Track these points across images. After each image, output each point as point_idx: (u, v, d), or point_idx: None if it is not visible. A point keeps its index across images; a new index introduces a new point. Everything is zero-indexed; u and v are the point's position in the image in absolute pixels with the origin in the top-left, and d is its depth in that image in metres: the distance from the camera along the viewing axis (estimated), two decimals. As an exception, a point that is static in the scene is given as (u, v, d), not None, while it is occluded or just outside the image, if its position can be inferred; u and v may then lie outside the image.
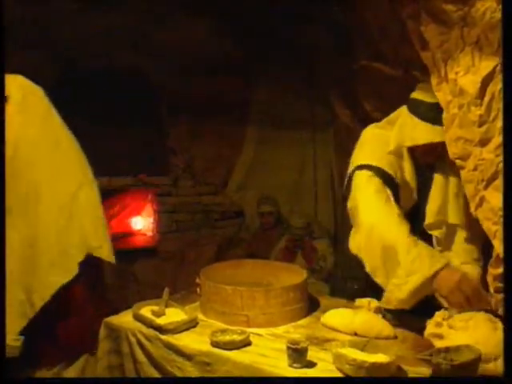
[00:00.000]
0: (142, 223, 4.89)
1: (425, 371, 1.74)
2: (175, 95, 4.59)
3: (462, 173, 1.73)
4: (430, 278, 2.00)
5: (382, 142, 2.33)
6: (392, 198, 2.22)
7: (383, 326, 2.12)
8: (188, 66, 4.42)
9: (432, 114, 2.10)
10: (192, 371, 2.05)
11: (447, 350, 1.74)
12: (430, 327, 1.96)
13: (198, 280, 2.46)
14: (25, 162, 2.30)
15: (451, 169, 2.15)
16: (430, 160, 2.29)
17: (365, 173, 2.29)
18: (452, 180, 2.27)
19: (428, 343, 1.95)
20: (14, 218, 2.16)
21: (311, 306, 2.45)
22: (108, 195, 4.59)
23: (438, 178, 2.31)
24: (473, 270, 2.20)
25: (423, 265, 2.02)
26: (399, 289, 2.07)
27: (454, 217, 2.27)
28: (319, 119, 4.86)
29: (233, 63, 4.52)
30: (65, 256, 2.34)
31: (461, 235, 2.30)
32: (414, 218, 2.27)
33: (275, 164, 5.00)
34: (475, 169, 1.66)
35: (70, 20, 3.87)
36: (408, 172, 2.31)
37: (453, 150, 1.74)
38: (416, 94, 2.20)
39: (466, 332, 1.84)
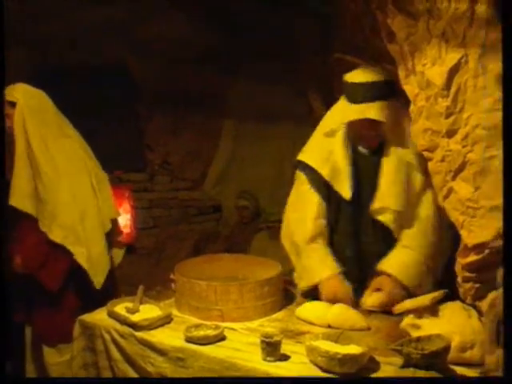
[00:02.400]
0: (120, 220, 4.84)
1: (397, 361, 1.75)
2: (151, 90, 4.56)
3: (430, 164, 1.74)
4: (311, 285, 2.39)
5: (318, 134, 2.50)
6: (317, 198, 2.44)
7: (357, 318, 2.13)
8: (166, 61, 4.39)
9: (360, 93, 2.24)
10: (166, 367, 2.05)
11: (418, 339, 1.76)
12: (407, 318, 1.98)
13: (172, 276, 2.45)
14: (42, 158, 2.62)
15: (398, 156, 2.29)
16: (369, 142, 2.37)
17: (299, 169, 2.52)
18: (399, 167, 2.30)
19: (401, 333, 1.96)
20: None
21: (286, 299, 2.46)
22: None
23: (383, 165, 2.33)
24: (408, 256, 2.27)
25: (307, 274, 2.42)
26: (298, 283, 2.50)
27: (398, 204, 2.29)
28: (298, 112, 4.85)
29: (210, 56, 4.49)
30: None
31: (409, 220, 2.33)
32: (360, 204, 2.38)
33: (253, 158, 4.99)
34: (443, 160, 1.67)
35: (55, 15, 3.82)
36: (341, 160, 2.37)
37: (420, 142, 1.75)
38: (346, 77, 2.32)
39: (442, 320, 1.86)
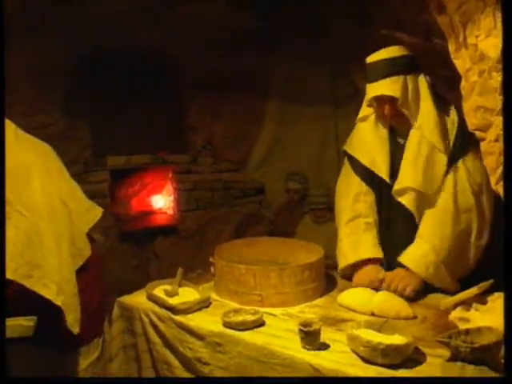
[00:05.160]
0: (163, 201, 4.85)
1: (444, 353, 1.65)
2: (194, 72, 4.50)
3: (482, 145, 1.62)
4: (342, 268, 2.43)
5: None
6: (356, 182, 2.47)
7: (402, 306, 2.04)
8: (207, 42, 4.33)
9: (374, 71, 2.28)
10: (204, 352, 2.02)
11: (468, 331, 1.65)
12: (456, 310, 1.87)
13: (211, 259, 2.41)
14: None
15: (419, 136, 2.25)
16: (392, 120, 2.33)
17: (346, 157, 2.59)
18: (423, 150, 2.25)
19: (449, 323, 1.86)
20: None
21: (328, 284, 2.39)
22: (128, 173, 4.58)
23: (408, 147, 2.32)
24: (419, 246, 2.23)
25: (343, 254, 2.43)
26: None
27: (417, 183, 2.25)
28: (341, 93, 4.73)
29: (252, 38, 4.40)
30: None
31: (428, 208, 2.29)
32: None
33: (297, 140, 4.89)
34: (497, 140, 1.55)
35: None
36: (375, 144, 2.41)
37: (472, 121, 1.63)
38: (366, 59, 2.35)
39: (492, 313, 1.75)
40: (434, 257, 2.17)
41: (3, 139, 1.74)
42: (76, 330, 1.97)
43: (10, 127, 2.01)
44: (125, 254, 4.33)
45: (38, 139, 2.15)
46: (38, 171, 1.99)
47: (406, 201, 2.28)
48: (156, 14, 4.13)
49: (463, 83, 1.66)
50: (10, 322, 1.94)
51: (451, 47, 1.70)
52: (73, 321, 1.96)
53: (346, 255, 2.42)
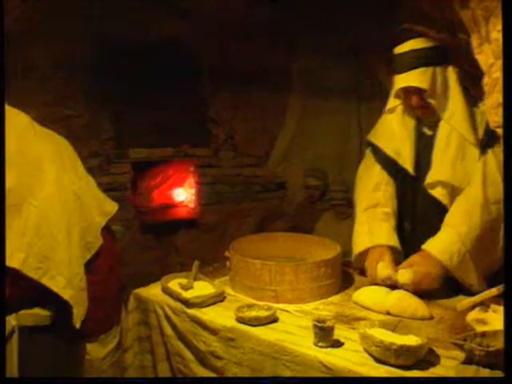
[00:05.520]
0: (184, 195, 4.86)
1: (459, 356, 1.62)
2: (216, 65, 4.50)
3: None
4: (357, 253, 2.38)
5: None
6: (377, 170, 2.46)
7: (418, 306, 2.01)
8: (229, 35, 4.31)
9: (402, 62, 2.26)
10: (217, 346, 2.02)
11: (484, 334, 1.61)
12: (474, 312, 1.83)
13: (227, 253, 2.40)
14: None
15: (449, 127, 2.23)
16: (417, 111, 2.33)
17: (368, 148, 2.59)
18: (453, 142, 2.23)
19: (466, 325, 1.82)
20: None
21: (345, 282, 2.36)
22: (150, 166, 4.59)
23: (438, 140, 2.29)
24: (446, 234, 2.18)
25: (356, 241, 2.40)
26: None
27: (448, 175, 2.23)
28: (364, 88, 4.67)
29: (274, 32, 4.37)
30: None
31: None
32: (421, 180, 2.33)
33: (319, 134, 4.85)
34: (519, 138, 1.50)
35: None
36: (402, 135, 2.38)
37: (493, 118, 1.58)
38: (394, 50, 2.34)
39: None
40: (459, 246, 2.12)
41: (3, 139, 1.74)
42: (78, 324, 1.97)
43: (27, 120, 2.03)
44: (145, 246, 4.36)
45: (55, 132, 2.17)
46: (53, 164, 2.00)
47: (439, 194, 2.26)
48: (175, 7, 4.13)
49: (486, 79, 1.61)
50: (28, 311, 1.97)
51: (474, 42, 1.65)
52: (77, 315, 1.97)
53: (359, 242, 2.38)
